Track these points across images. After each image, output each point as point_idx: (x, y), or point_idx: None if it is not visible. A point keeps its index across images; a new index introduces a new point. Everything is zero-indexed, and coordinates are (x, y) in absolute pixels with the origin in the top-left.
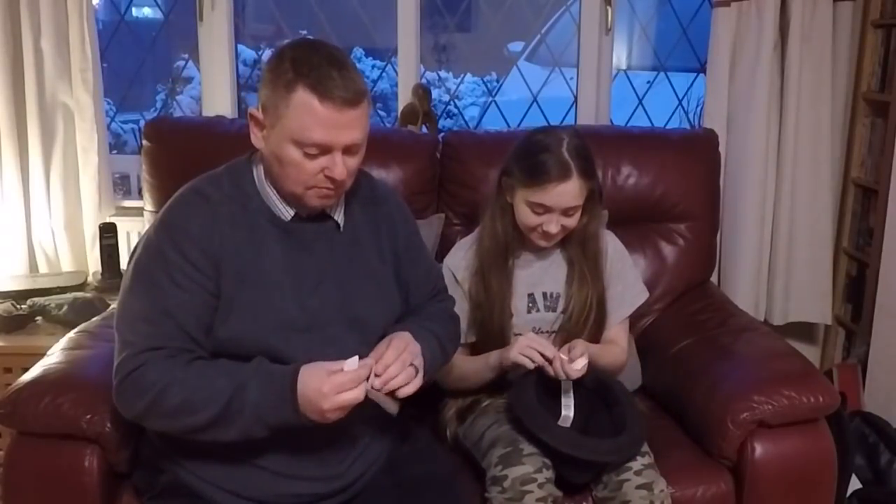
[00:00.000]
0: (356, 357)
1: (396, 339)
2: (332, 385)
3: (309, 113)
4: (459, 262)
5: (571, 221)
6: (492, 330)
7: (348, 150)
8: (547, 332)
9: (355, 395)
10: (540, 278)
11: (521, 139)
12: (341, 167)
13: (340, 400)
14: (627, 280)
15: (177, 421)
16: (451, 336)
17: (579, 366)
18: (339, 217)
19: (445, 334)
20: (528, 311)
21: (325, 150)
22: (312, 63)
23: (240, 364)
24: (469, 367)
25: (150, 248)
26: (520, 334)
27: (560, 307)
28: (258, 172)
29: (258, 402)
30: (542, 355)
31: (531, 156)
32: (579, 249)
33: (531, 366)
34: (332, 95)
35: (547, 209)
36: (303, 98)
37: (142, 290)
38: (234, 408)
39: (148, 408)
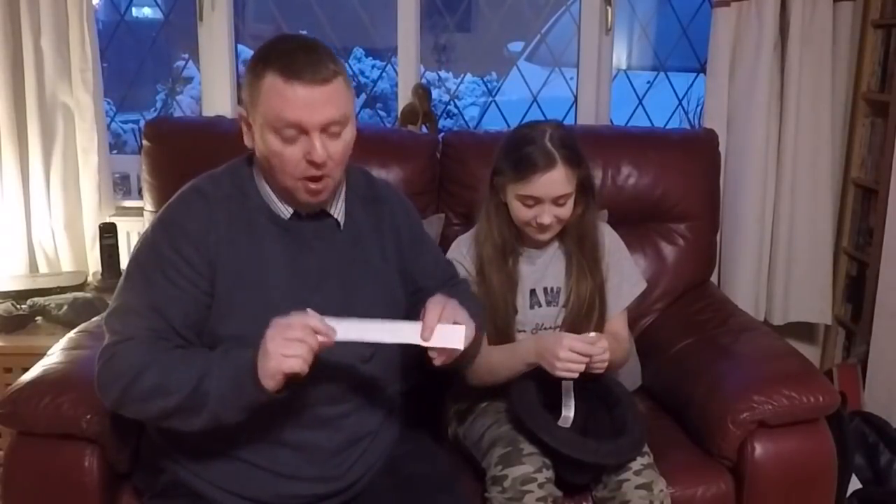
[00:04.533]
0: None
1: (431, 305)
2: (275, 323)
3: (277, 94)
4: (464, 259)
5: (564, 211)
6: (497, 328)
7: (327, 132)
8: (551, 327)
9: (296, 333)
10: (542, 274)
11: (506, 136)
12: (320, 150)
13: (282, 329)
14: (624, 271)
15: (150, 404)
16: (478, 310)
17: (595, 343)
18: (340, 215)
19: (474, 307)
20: (531, 308)
21: (300, 129)
22: (278, 50)
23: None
24: (498, 358)
25: (146, 244)
26: (524, 331)
27: (561, 301)
28: (257, 171)
29: (221, 377)
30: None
31: (516, 150)
32: (576, 242)
33: (573, 376)
34: (298, 74)
35: (537, 200)
36: (270, 82)
37: (133, 285)
38: (202, 389)
39: (124, 391)
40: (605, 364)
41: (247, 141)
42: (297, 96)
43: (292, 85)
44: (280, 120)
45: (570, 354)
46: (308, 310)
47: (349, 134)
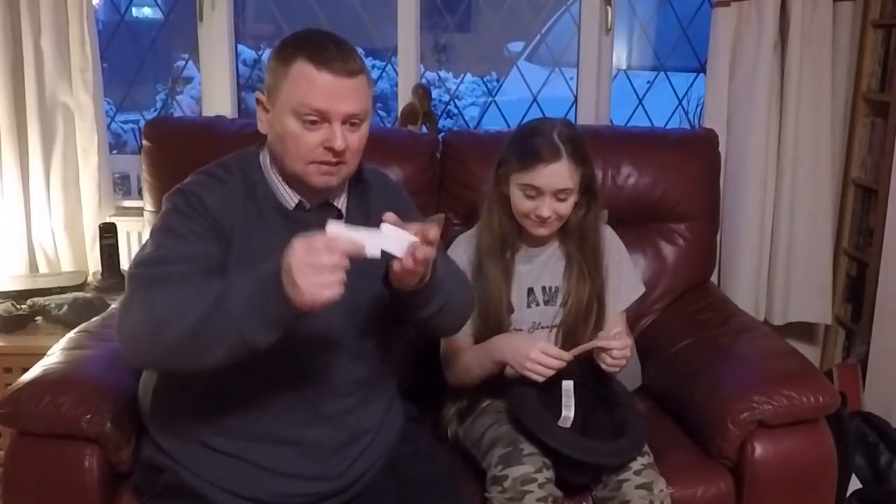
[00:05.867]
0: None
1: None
2: (296, 251)
3: (306, 80)
4: (461, 256)
5: (564, 207)
6: (490, 324)
7: (347, 123)
8: (547, 327)
9: (329, 259)
10: (540, 273)
11: (515, 129)
12: (341, 138)
13: (309, 255)
14: (623, 274)
15: (167, 330)
16: (465, 283)
17: (615, 338)
18: (342, 205)
19: (456, 277)
20: (528, 306)
21: (323, 117)
22: (311, 38)
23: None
24: (471, 356)
25: (166, 211)
26: (520, 329)
27: (559, 301)
28: (265, 160)
29: (242, 289)
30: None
31: (523, 140)
32: (577, 244)
33: (540, 380)
34: (329, 64)
35: (538, 191)
36: (300, 68)
37: (155, 240)
38: (223, 305)
39: (140, 324)
40: (624, 362)
41: (261, 126)
42: (326, 84)
43: (321, 72)
44: (305, 105)
45: (542, 357)
46: (330, 222)
47: (366, 127)
